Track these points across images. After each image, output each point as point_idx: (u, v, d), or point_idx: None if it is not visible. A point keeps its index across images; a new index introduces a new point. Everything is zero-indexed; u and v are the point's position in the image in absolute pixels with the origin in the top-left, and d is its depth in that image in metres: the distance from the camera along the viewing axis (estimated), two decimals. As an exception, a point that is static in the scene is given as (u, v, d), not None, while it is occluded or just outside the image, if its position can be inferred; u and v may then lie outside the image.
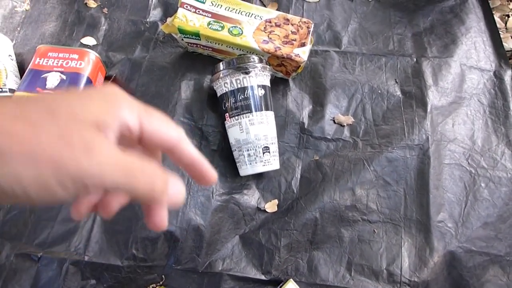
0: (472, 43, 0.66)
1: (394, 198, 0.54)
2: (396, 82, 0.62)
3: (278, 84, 0.61)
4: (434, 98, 0.60)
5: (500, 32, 0.68)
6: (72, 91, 0.21)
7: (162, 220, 0.25)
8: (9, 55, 0.58)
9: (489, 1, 0.72)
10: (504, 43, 0.67)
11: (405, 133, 0.58)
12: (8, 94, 0.55)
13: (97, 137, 0.19)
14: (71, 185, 0.17)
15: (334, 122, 0.59)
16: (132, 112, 0.21)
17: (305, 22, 0.58)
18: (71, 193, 0.18)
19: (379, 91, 0.61)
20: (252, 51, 0.57)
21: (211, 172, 0.26)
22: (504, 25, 0.72)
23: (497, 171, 0.56)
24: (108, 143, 0.19)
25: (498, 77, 0.63)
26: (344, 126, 0.59)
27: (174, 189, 0.23)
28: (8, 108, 0.18)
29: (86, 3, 0.67)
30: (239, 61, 0.52)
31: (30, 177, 0.17)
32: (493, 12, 0.71)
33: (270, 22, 0.58)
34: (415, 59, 0.64)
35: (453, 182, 0.55)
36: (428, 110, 0.59)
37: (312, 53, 0.64)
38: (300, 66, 0.57)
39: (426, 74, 0.62)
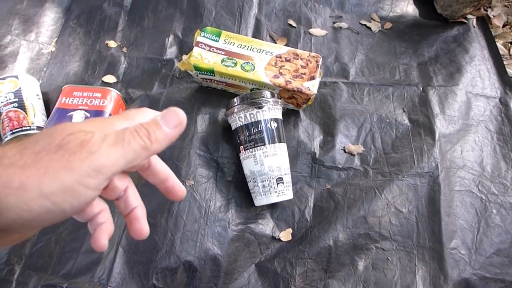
0: (476, 71, 0.68)
1: (407, 226, 0.55)
2: (404, 111, 0.64)
3: (289, 116, 0.64)
4: (441, 126, 0.62)
5: (503, 59, 0.70)
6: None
7: (143, 228, 0.27)
8: (37, 95, 0.62)
9: (491, 30, 0.75)
10: (508, 70, 0.69)
11: (414, 161, 0.59)
12: (36, 131, 0.58)
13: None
14: (92, 179, 0.21)
15: (345, 152, 0.61)
16: None
17: (313, 56, 0.61)
18: (93, 186, 0.21)
19: (388, 120, 0.63)
20: (264, 85, 0.60)
21: (182, 186, 0.30)
22: (507, 52, 0.74)
23: (507, 197, 0.57)
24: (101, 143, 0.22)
25: (504, 103, 0.65)
26: (354, 155, 0.61)
27: (168, 118, 0.25)
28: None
29: (106, 44, 0.71)
30: (252, 96, 0.55)
31: (53, 187, 0.20)
32: (496, 40, 0.74)
33: (280, 57, 0.61)
34: (421, 88, 0.66)
35: (464, 208, 0.56)
36: (436, 138, 0.61)
37: (321, 84, 0.67)
38: (310, 98, 0.59)
39: (433, 103, 0.64)
